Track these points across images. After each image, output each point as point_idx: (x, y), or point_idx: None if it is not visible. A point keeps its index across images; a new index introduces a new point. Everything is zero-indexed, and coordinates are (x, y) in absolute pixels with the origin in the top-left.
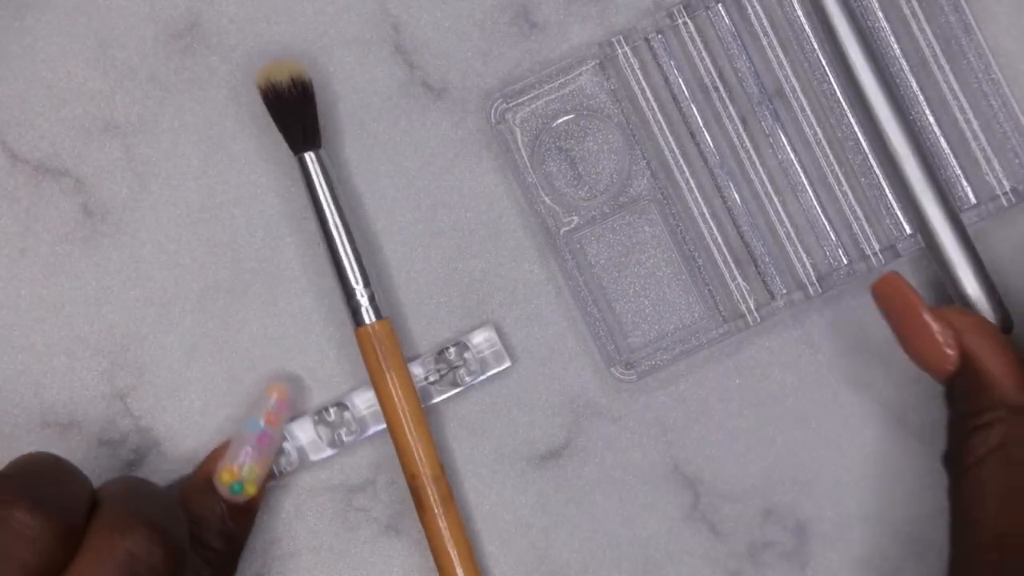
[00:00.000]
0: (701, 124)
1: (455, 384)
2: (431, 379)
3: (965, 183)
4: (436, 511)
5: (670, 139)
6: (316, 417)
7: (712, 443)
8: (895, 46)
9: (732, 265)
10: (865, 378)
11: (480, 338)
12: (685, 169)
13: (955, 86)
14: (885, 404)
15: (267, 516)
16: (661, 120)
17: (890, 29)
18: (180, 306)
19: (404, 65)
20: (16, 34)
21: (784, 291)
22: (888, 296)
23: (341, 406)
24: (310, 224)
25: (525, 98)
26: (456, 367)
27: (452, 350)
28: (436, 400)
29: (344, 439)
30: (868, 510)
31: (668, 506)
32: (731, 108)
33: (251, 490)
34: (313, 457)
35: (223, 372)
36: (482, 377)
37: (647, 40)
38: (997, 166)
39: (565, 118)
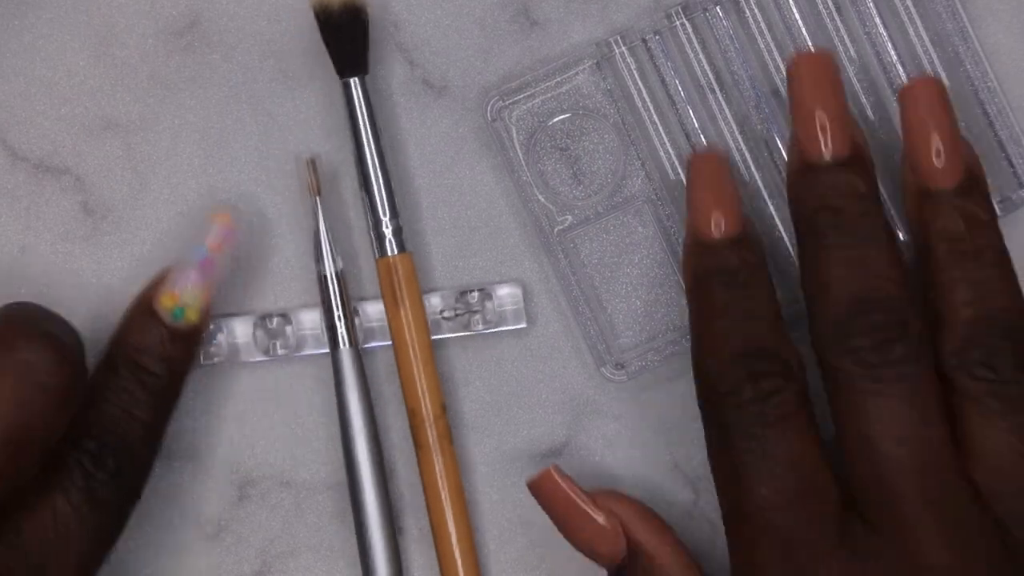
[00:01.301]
0: (697, 126)
1: (466, 327)
2: (446, 314)
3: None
4: (433, 448)
5: (665, 140)
6: (258, 320)
7: None
8: (892, 52)
9: None
10: None
11: (505, 291)
12: (680, 170)
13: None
14: None
15: (266, 515)
16: (657, 121)
17: (887, 35)
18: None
19: (404, 63)
20: (16, 32)
21: None
22: (546, 492)
23: (286, 318)
24: (310, 223)
25: (521, 96)
26: (474, 311)
27: (476, 294)
28: (441, 336)
29: (278, 350)
30: None
31: (668, 504)
32: (727, 110)
33: (193, 316)
34: (243, 357)
35: None
36: (494, 330)
37: (644, 41)
38: (989, 175)
39: (561, 117)
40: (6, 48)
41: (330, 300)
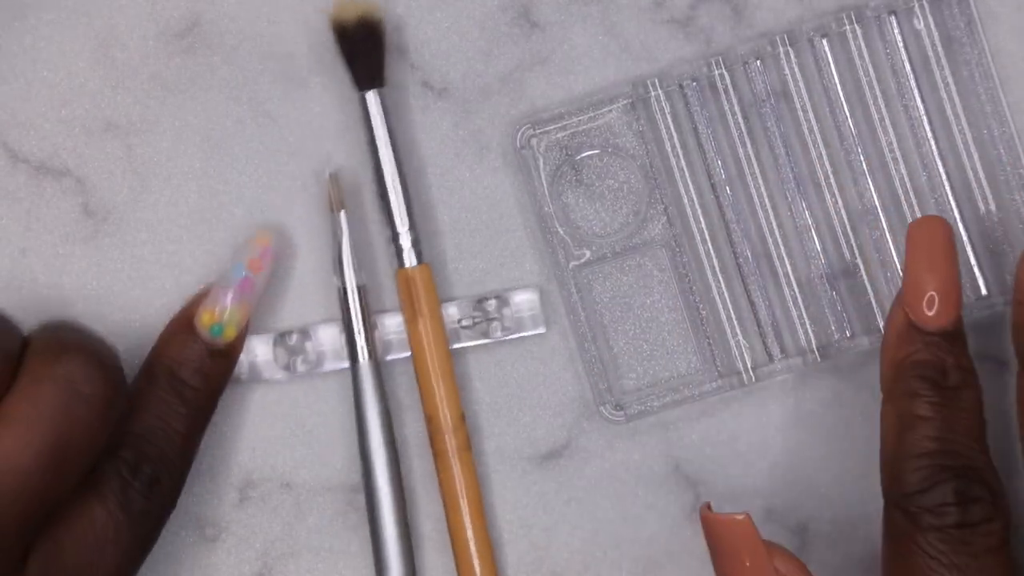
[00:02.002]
0: (724, 178)
1: (485, 335)
2: (464, 323)
3: (977, 273)
4: (451, 458)
5: (691, 188)
6: (277, 337)
7: (713, 443)
8: (933, 145)
9: (735, 321)
10: (866, 378)
11: (522, 297)
12: (701, 220)
13: (981, 175)
14: None
15: (267, 516)
16: (684, 168)
17: (932, 136)
18: (180, 306)
19: (405, 65)
20: (17, 34)
21: (783, 355)
22: (734, 536)
23: (304, 334)
24: (311, 222)
25: (552, 127)
26: (492, 319)
27: (493, 302)
28: (461, 345)
29: (299, 367)
30: (868, 510)
31: (669, 506)
32: (755, 166)
33: (231, 333)
34: (265, 375)
35: None
36: (513, 336)
37: (681, 86)
38: (1011, 260)
39: (589, 152)
40: (7, 50)
41: (350, 314)
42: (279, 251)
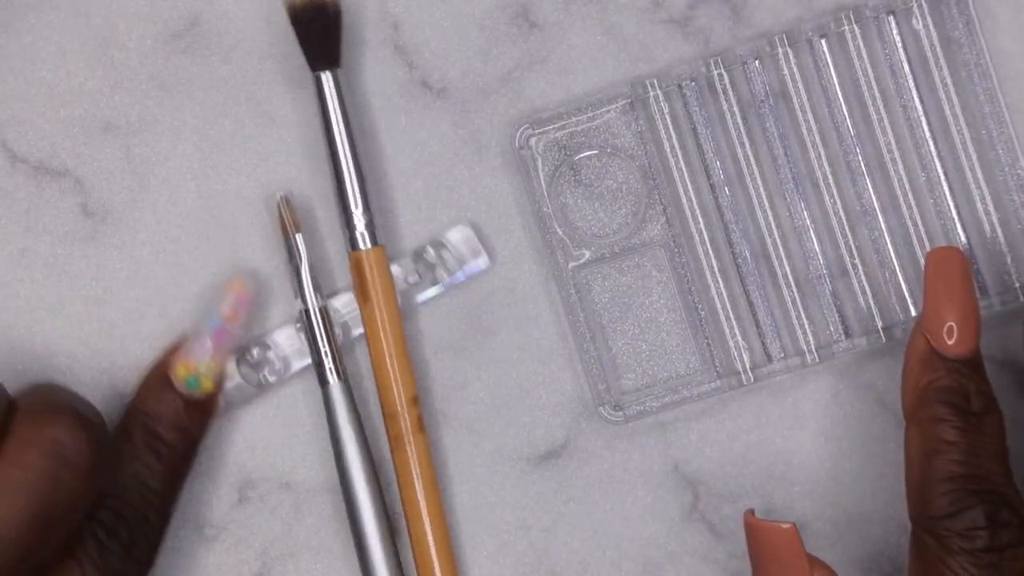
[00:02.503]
0: (723, 178)
1: (435, 283)
2: (411, 280)
3: (984, 276)
4: (406, 439)
5: (689, 188)
6: (238, 357)
7: (712, 443)
8: (931, 146)
9: (733, 322)
10: (864, 379)
11: (456, 235)
12: (700, 220)
13: (980, 176)
14: (885, 404)
15: (266, 517)
16: (683, 168)
17: (931, 136)
18: (179, 306)
19: (404, 65)
20: (16, 34)
21: (781, 355)
22: (777, 544)
23: (263, 345)
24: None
25: (551, 127)
26: (434, 266)
27: (430, 249)
28: (419, 300)
29: (269, 380)
30: (868, 510)
31: (668, 506)
32: (754, 166)
33: (207, 385)
34: (239, 399)
35: None
36: (459, 274)
37: (680, 86)
38: (1009, 262)
39: (588, 152)
40: (6, 50)
41: (315, 337)
42: (254, 297)
